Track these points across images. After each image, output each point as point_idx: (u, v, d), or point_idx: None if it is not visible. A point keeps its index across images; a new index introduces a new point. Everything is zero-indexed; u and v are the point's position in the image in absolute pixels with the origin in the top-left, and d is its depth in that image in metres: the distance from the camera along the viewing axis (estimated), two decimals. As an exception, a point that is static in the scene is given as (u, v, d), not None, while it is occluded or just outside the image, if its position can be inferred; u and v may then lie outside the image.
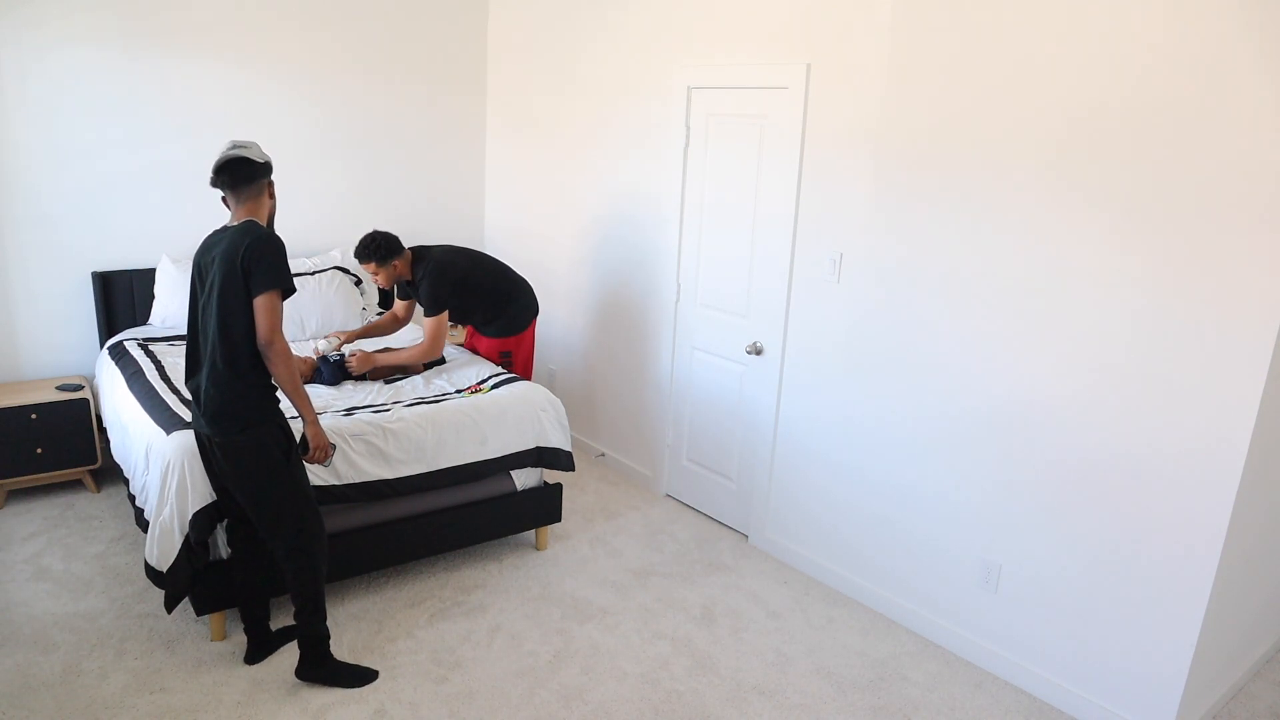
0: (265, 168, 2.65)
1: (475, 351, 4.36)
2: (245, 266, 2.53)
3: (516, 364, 4.31)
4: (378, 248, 3.84)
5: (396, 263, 3.92)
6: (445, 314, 3.95)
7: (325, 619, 2.85)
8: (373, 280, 3.94)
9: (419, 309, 4.67)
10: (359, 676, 2.91)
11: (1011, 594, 3.10)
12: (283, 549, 2.75)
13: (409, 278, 4.03)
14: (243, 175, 2.61)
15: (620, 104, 4.47)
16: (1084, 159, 2.72)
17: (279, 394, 2.73)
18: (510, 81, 5.31)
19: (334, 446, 2.88)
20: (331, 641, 3.12)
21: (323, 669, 2.87)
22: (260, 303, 2.54)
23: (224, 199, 2.65)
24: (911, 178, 3.19)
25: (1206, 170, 2.47)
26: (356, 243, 3.94)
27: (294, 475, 2.73)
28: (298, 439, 2.83)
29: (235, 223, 2.64)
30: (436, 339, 3.91)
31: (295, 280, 4.57)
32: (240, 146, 2.63)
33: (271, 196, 2.72)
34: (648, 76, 4.27)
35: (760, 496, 3.99)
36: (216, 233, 2.68)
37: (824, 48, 3.43)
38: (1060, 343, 2.85)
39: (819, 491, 3.73)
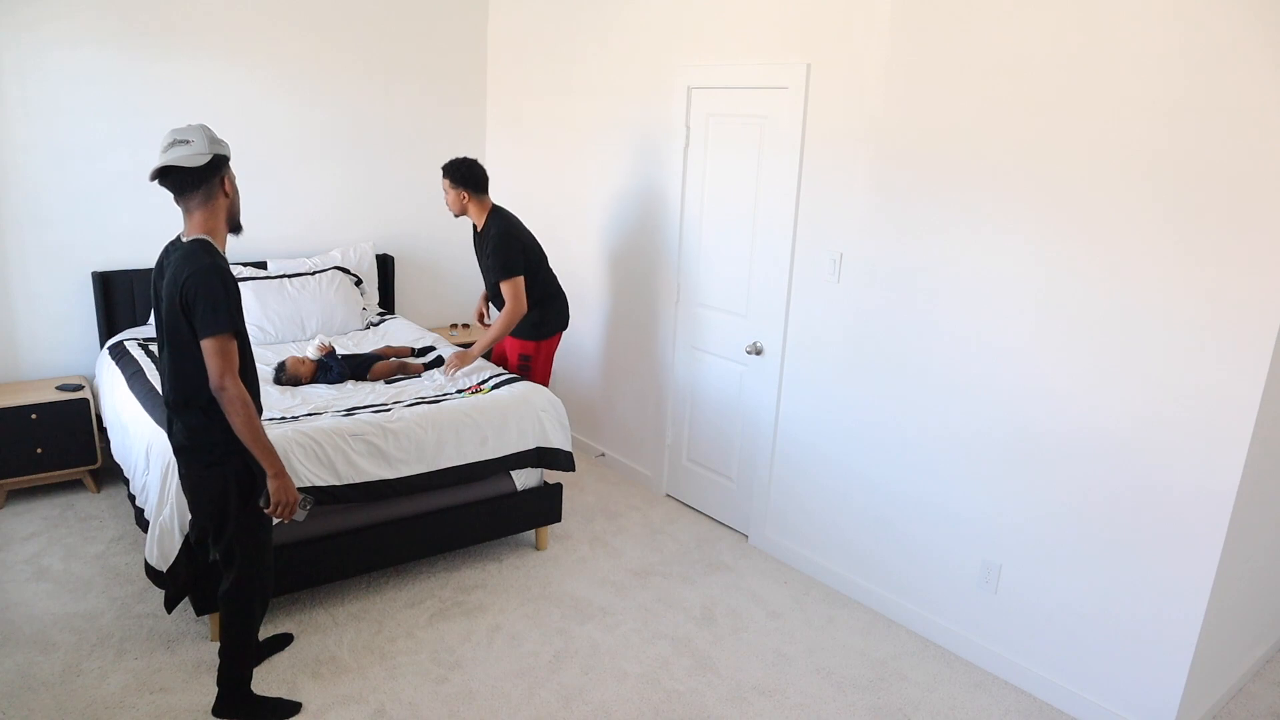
0: (209, 168, 2.35)
1: (500, 356, 4.33)
2: (184, 304, 2.30)
3: (534, 372, 4.20)
4: (458, 169, 3.95)
5: (466, 194, 3.97)
6: (522, 278, 3.97)
7: (247, 667, 2.69)
8: (445, 198, 4.04)
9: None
10: (280, 712, 2.73)
11: (1011, 594, 3.10)
12: (223, 587, 2.62)
13: (476, 221, 4.07)
14: (184, 183, 2.34)
15: (620, 104, 4.47)
16: (1085, 159, 2.72)
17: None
18: (510, 82, 5.31)
19: (307, 503, 2.56)
20: (331, 642, 3.12)
21: (241, 709, 2.70)
22: (207, 346, 2.30)
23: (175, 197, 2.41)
24: (912, 178, 3.19)
25: (1212, 169, 2.47)
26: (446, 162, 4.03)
27: (248, 521, 2.54)
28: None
29: (187, 236, 2.40)
30: (519, 298, 3.96)
31: (295, 280, 4.62)
32: (179, 142, 2.32)
33: (227, 194, 2.42)
34: (648, 77, 4.27)
35: (760, 496, 3.99)
36: (169, 248, 2.45)
37: (824, 48, 3.43)
38: (1061, 345, 2.85)
39: (819, 491, 3.73)
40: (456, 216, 4.09)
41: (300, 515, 2.56)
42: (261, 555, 2.62)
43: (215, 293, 2.30)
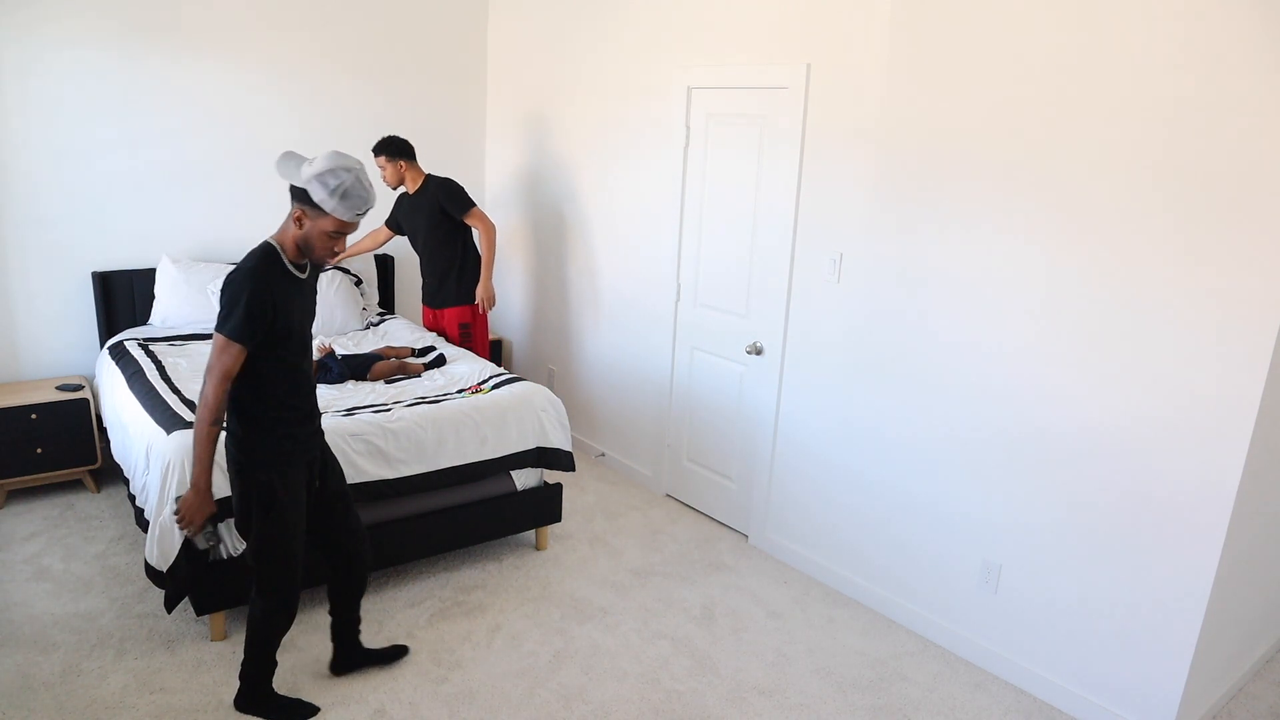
0: (294, 193, 2.40)
1: (441, 331, 4.59)
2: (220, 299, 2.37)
3: (476, 339, 4.54)
4: (391, 143, 4.30)
5: (403, 164, 4.33)
6: (478, 208, 4.38)
7: (265, 670, 2.69)
8: (381, 177, 4.43)
9: (408, 227, 4.75)
10: (297, 713, 2.73)
11: (1011, 594, 3.10)
12: (254, 589, 2.62)
13: (410, 190, 4.44)
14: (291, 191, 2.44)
15: (620, 104, 4.47)
16: (1086, 159, 2.72)
17: (292, 434, 2.53)
18: (510, 82, 5.31)
19: (212, 538, 2.56)
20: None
21: (259, 706, 2.72)
22: (215, 338, 2.36)
23: None
24: (912, 178, 3.19)
25: (1212, 170, 2.47)
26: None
27: (269, 532, 2.51)
28: (308, 480, 2.61)
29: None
30: (488, 218, 4.39)
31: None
32: (299, 159, 2.41)
33: (300, 226, 2.41)
34: (648, 77, 4.28)
35: (760, 497, 3.99)
36: None
37: (824, 48, 3.43)
38: (1062, 344, 2.85)
39: (819, 491, 3.73)
40: (394, 189, 4.44)
41: (200, 543, 2.55)
42: (280, 568, 2.57)
43: (234, 296, 2.34)
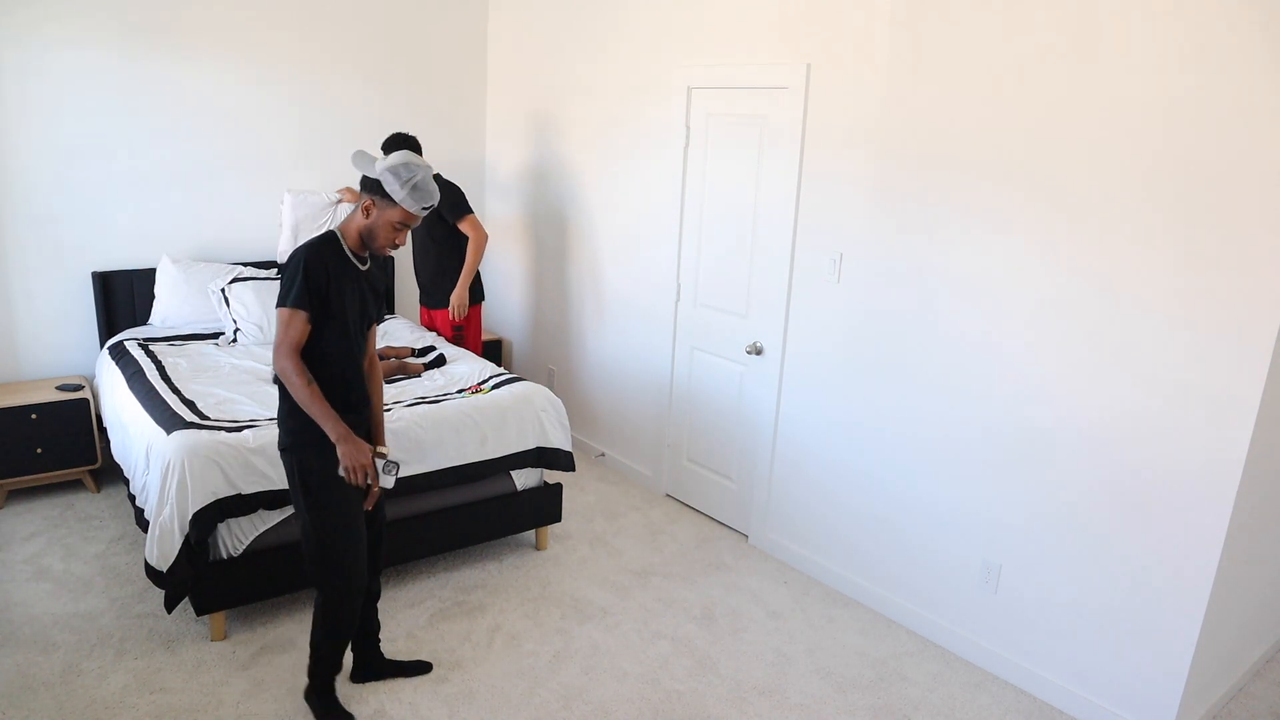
0: (364, 183, 2.49)
1: (432, 328, 4.68)
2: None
3: (469, 341, 4.61)
4: (400, 140, 4.22)
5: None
6: (474, 215, 4.42)
7: (327, 668, 2.68)
8: None
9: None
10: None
11: (1011, 594, 3.10)
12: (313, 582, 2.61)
13: None
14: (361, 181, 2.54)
15: (620, 104, 4.47)
16: (1085, 159, 2.72)
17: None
18: (510, 82, 5.31)
19: (391, 467, 2.52)
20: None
21: (315, 701, 2.72)
22: (278, 315, 2.44)
23: None
24: (912, 178, 3.19)
25: (1211, 169, 2.47)
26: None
27: (318, 515, 2.51)
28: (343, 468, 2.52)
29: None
30: (480, 227, 4.42)
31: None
32: (368, 156, 2.51)
33: (367, 215, 2.49)
34: (648, 77, 4.28)
35: (760, 496, 3.99)
36: None
37: (824, 48, 3.43)
38: (1061, 343, 2.85)
39: (819, 491, 3.73)
40: None
41: (388, 481, 2.51)
42: (331, 556, 2.54)
43: (292, 271, 2.43)
